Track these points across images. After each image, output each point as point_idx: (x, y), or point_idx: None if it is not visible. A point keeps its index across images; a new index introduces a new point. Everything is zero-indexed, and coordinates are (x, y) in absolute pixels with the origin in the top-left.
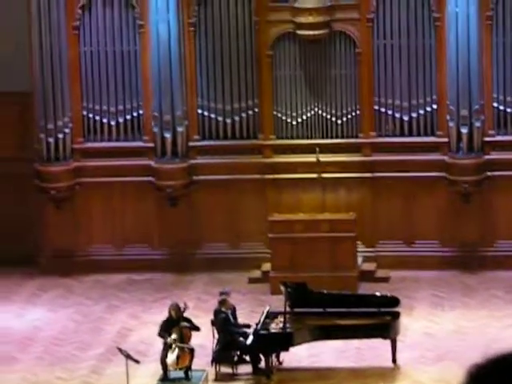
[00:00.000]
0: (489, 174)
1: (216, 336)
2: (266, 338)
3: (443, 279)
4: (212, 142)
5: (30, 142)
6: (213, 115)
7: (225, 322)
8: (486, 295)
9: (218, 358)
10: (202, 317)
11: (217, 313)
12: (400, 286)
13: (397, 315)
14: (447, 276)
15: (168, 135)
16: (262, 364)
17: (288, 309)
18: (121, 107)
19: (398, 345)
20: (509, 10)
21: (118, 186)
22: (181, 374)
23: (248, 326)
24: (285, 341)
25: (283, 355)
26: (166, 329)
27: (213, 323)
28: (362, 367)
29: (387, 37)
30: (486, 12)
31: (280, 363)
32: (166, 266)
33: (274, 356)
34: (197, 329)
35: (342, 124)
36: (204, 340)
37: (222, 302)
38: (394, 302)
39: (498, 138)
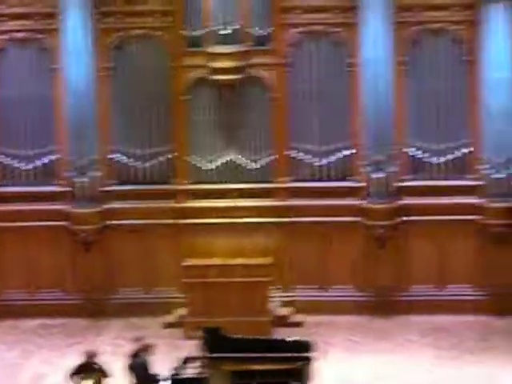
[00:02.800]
0: (403, 218)
1: (133, 381)
2: (182, 383)
3: (358, 324)
4: (126, 187)
5: None
6: (127, 160)
7: (142, 367)
8: (401, 340)
9: None
10: (115, 362)
11: (134, 357)
12: (315, 330)
13: (309, 360)
14: (362, 321)
15: (83, 180)
16: None
17: (203, 354)
18: (35, 151)
19: None
20: (423, 56)
21: (32, 231)
22: None
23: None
24: None
25: None
26: (79, 373)
27: (129, 368)
28: None
29: (302, 82)
30: (400, 57)
31: None
32: (80, 311)
33: None
34: (108, 375)
35: (256, 169)
36: None
37: (145, 348)
38: (306, 346)
39: (413, 183)
